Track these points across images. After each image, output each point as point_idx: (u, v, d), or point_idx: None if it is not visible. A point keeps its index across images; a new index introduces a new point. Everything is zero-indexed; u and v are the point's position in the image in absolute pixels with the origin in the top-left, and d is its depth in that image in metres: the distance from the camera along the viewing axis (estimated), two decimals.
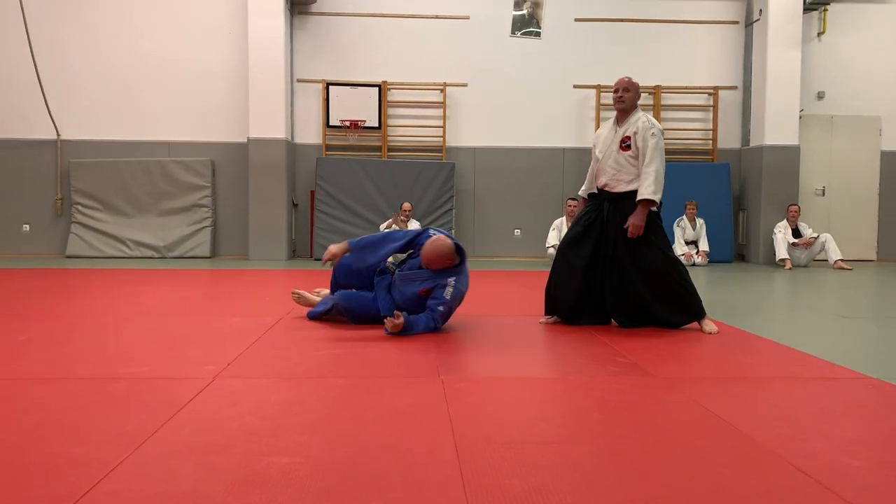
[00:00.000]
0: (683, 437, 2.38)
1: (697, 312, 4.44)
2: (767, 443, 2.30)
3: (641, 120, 4.46)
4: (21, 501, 1.80)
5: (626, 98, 4.50)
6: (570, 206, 9.75)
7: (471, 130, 10.73)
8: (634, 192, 4.42)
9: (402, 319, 4.04)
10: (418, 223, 9.92)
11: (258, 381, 3.09)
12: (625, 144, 4.45)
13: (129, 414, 2.55)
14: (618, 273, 4.47)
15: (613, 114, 4.69)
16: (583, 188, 4.84)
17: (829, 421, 2.62)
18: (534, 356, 3.81)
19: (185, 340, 3.97)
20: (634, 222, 4.36)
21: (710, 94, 10.84)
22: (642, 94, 10.28)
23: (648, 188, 4.33)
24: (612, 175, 4.50)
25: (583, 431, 2.46)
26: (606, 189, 4.55)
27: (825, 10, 10.68)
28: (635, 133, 4.42)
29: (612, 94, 4.64)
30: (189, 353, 3.62)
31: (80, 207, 10.25)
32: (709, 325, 4.40)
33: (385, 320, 4.12)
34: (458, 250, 4.32)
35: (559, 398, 2.98)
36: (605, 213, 4.52)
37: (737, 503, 1.85)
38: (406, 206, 9.80)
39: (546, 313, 4.69)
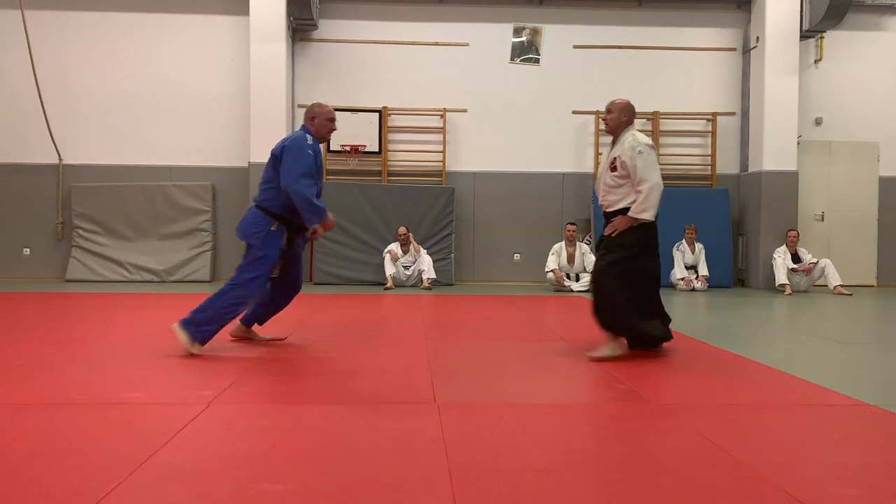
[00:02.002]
0: (680, 466, 2.36)
1: (602, 324, 4.35)
2: (764, 471, 2.29)
3: (628, 140, 4.41)
4: None
5: (608, 119, 4.52)
6: (568, 230, 9.78)
7: (470, 156, 10.79)
8: (623, 210, 4.42)
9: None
10: (421, 246, 9.93)
11: (253, 407, 3.08)
12: (612, 165, 4.45)
13: (124, 440, 2.54)
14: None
15: (611, 139, 4.70)
16: None
17: (826, 449, 2.60)
18: (531, 382, 3.79)
19: (182, 365, 3.96)
20: (616, 223, 4.35)
21: (708, 119, 10.91)
22: (642, 120, 10.49)
23: (638, 207, 4.30)
24: (604, 196, 4.55)
25: (579, 459, 2.44)
26: (603, 208, 4.61)
27: (821, 37, 10.78)
28: (621, 154, 4.39)
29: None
30: (185, 378, 3.61)
31: (80, 231, 10.28)
32: (600, 350, 4.31)
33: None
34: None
35: (556, 425, 2.97)
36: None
37: None
38: (401, 230, 9.82)
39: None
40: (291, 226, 4.45)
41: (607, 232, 4.40)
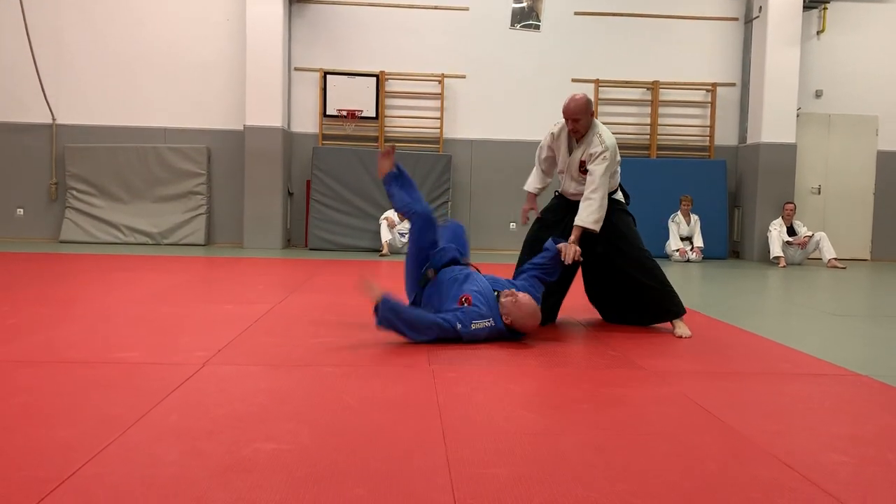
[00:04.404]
0: (671, 431, 2.38)
1: (673, 312, 4.26)
2: (755, 437, 2.30)
3: (594, 143, 4.24)
4: (4, 483, 1.80)
5: (580, 128, 4.33)
6: None
7: (468, 123, 10.70)
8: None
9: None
10: None
11: (248, 368, 3.08)
12: (583, 169, 4.27)
13: (117, 398, 2.54)
14: (604, 270, 4.37)
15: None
16: (530, 183, 4.67)
17: (816, 417, 2.62)
18: (523, 349, 3.80)
19: (176, 327, 3.96)
20: (575, 245, 4.07)
21: (708, 90, 10.83)
22: (641, 89, 10.42)
23: (589, 217, 4.11)
24: (578, 190, 4.30)
25: (571, 423, 2.46)
26: (574, 199, 4.33)
27: (825, 8, 10.66)
28: (588, 157, 4.23)
29: (568, 121, 4.40)
30: (180, 340, 3.61)
31: (74, 192, 10.20)
32: (681, 328, 4.20)
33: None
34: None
35: (548, 389, 2.98)
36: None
37: (723, 497, 1.85)
38: None
39: None
40: None
41: (572, 259, 4.01)
